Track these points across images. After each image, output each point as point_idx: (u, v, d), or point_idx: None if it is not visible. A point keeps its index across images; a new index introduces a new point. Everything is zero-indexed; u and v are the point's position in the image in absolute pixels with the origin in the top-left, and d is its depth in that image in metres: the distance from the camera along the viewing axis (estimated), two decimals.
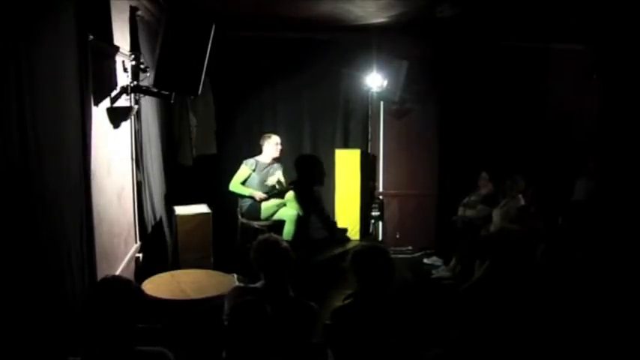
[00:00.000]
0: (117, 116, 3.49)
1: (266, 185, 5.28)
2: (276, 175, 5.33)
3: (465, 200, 5.68)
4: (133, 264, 3.94)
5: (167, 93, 3.70)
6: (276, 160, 5.43)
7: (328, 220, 6.07)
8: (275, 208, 5.31)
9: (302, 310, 2.48)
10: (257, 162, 5.33)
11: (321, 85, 6.08)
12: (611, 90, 5.87)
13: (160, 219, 4.59)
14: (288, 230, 5.17)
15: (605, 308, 3.22)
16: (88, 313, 1.91)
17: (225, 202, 5.46)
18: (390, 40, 5.93)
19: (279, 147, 5.36)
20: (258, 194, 5.22)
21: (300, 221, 5.28)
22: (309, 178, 6.01)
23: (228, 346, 2.46)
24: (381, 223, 6.35)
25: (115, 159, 3.61)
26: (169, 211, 4.69)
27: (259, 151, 5.42)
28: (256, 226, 5.24)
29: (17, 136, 1.98)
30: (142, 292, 2.03)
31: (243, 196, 5.29)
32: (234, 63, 5.78)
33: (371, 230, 6.28)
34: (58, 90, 2.46)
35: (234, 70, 5.81)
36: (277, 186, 5.31)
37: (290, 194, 5.37)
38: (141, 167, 4.08)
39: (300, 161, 6.05)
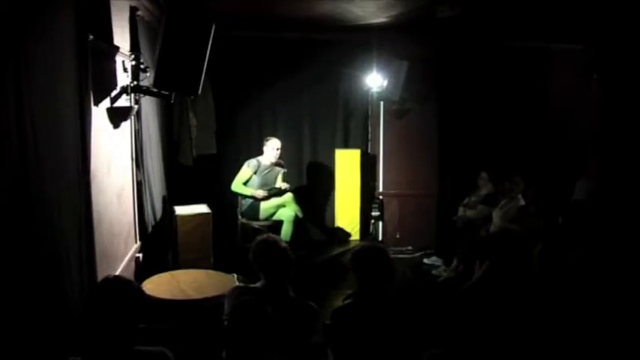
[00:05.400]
0: (117, 116, 3.49)
1: (274, 188, 5.31)
2: (279, 181, 5.39)
3: (466, 200, 5.68)
4: (133, 264, 3.94)
5: (167, 93, 3.70)
6: (277, 163, 5.44)
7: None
8: (274, 209, 5.33)
9: (302, 310, 2.48)
10: (259, 163, 5.34)
11: (321, 85, 6.08)
12: (611, 90, 5.87)
13: (160, 219, 4.59)
14: (286, 231, 5.18)
15: (604, 308, 3.22)
16: (89, 312, 1.91)
17: (225, 202, 5.47)
18: (390, 40, 5.92)
19: (278, 151, 5.37)
20: (258, 192, 5.24)
21: (298, 222, 5.29)
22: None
23: (228, 346, 2.46)
24: (381, 223, 6.35)
25: (115, 159, 3.60)
26: (169, 211, 4.68)
27: (259, 151, 5.43)
28: (256, 226, 5.25)
29: (16, 135, 1.98)
30: (142, 292, 2.03)
31: (244, 196, 5.30)
32: (234, 63, 5.78)
33: (371, 230, 6.28)
34: (58, 90, 2.46)
35: (234, 70, 5.82)
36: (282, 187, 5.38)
37: (289, 195, 5.39)
38: (141, 167, 4.08)
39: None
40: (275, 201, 5.35)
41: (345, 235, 6.11)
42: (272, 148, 5.34)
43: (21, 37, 2.04)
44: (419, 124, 6.24)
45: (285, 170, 5.52)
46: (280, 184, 5.42)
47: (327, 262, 5.47)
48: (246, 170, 5.31)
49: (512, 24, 5.31)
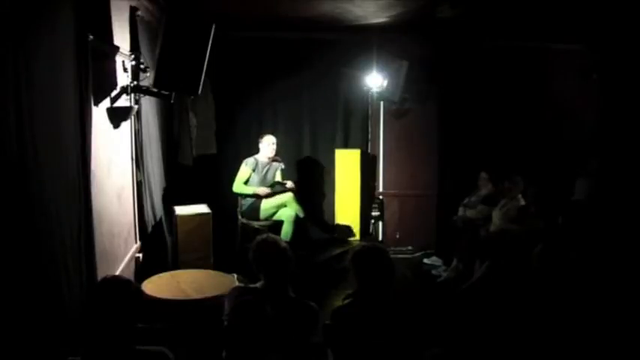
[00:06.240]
0: (117, 116, 3.49)
1: (275, 182, 5.36)
2: (279, 178, 5.45)
3: (465, 200, 5.68)
4: (133, 264, 3.94)
5: (167, 93, 3.70)
6: (274, 159, 5.45)
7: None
8: (274, 209, 5.34)
9: (302, 310, 2.47)
10: (257, 161, 5.36)
11: (321, 85, 6.09)
12: (611, 90, 5.87)
13: (160, 219, 4.59)
14: (286, 231, 5.18)
15: (604, 308, 3.22)
16: (89, 312, 1.91)
17: (225, 202, 5.47)
18: (390, 40, 5.92)
19: (274, 147, 5.40)
20: (262, 190, 5.25)
21: (298, 222, 5.29)
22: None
23: (228, 346, 2.46)
24: (381, 223, 6.35)
25: (115, 159, 3.61)
26: (169, 211, 4.69)
27: (258, 151, 5.44)
28: (256, 226, 5.25)
29: (15, 136, 1.98)
30: (141, 292, 2.03)
31: (247, 196, 5.30)
32: (234, 63, 5.78)
33: (371, 230, 6.28)
34: (57, 90, 2.46)
35: (234, 70, 5.82)
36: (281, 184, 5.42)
37: (289, 195, 5.39)
38: (141, 167, 4.08)
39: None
40: (275, 201, 5.35)
41: (345, 234, 6.11)
42: (267, 143, 5.37)
43: (21, 37, 2.04)
44: (419, 124, 6.24)
45: (283, 166, 5.53)
46: (281, 180, 5.45)
47: (327, 262, 5.47)
48: (245, 169, 5.32)
49: (512, 24, 5.31)
